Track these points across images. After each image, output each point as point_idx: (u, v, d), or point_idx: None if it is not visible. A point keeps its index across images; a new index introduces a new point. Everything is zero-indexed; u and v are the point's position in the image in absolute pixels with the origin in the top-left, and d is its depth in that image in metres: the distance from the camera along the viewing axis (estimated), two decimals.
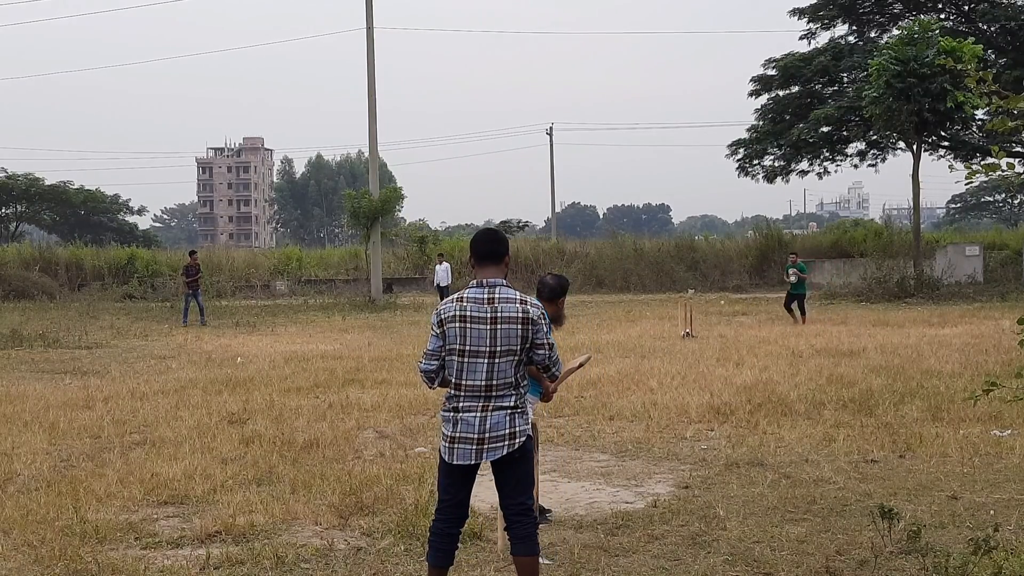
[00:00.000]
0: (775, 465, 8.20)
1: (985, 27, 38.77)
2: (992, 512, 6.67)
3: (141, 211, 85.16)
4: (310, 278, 43.52)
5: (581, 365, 6.99)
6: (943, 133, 35.26)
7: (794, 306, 22.50)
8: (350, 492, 7.30)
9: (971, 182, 6.30)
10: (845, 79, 40.49)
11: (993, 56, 38.30)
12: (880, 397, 11.21)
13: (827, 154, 41.82)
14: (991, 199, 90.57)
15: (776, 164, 42.78)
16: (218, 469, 8.22)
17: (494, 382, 4.67)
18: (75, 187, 74.09)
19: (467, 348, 4.67)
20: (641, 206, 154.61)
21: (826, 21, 41.33)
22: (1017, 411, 9.76)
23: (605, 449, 9.12)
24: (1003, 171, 4.98)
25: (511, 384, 4.71)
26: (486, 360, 4.66)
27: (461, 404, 4.70)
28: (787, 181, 43.93)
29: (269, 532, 6.45)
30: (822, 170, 42.96)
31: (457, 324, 4.70)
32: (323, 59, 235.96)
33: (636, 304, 31.12)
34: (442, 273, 32.93)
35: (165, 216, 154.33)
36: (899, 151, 39.49)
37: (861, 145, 41.67)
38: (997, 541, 5.14)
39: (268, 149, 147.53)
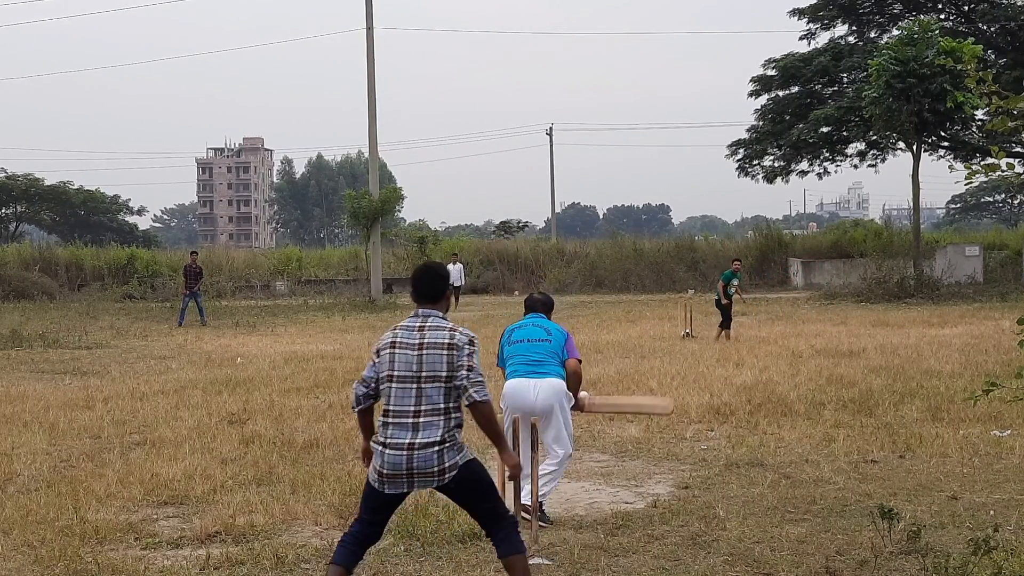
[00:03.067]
0: (775, 465, 8.20)
1: (985, 27, 38.76)
2: (992, 512, 6.67)
3: (141, 211, 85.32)
4: (310, 278, 43.51)
5: (653, 410, 7.11)
6: (943, 133, 35.24)
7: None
8: (350, 492, 7.30)
9: (971, 182, 6.31)
10: (845, 79, 40.47)
11: (993, 56, 38.29)
12: (880, 397, 11.21)
13: (827, 154, 41.80)
14: (991, 199, 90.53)
15: (776, 164, 42.77)
16: (218, 469, 8.22)
17: (422, 408, 4.65)
18: (75, 187, 74.12)
19: (395, 373, 4.71)
20: (641, 206, 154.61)
21: (826, 21, 41.31)
22: (1017, 411, 9.76)
23: (605, 449, 9.12)
24: (1003, 171, 4.98)
25: (439, 411, 4.66)
26: (414, 385, 4.68)
27: (389, 434, 4.67)
28: (787, 181, 43.96)
29: (269, 532, 6.45)
30: (822, 170, 42.97)
31: (388, 351, 4.77)
32: (323, 59, 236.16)
33: (636, 304, 31.12)
34: (455, 273, 32.61)
35: (165, 216, 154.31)
36: (899, 151, 39.46)
37: (861, 145, 41.66)
38: (997, 541, 5.14)
39: (268, 149, 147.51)
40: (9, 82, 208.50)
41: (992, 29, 38.59)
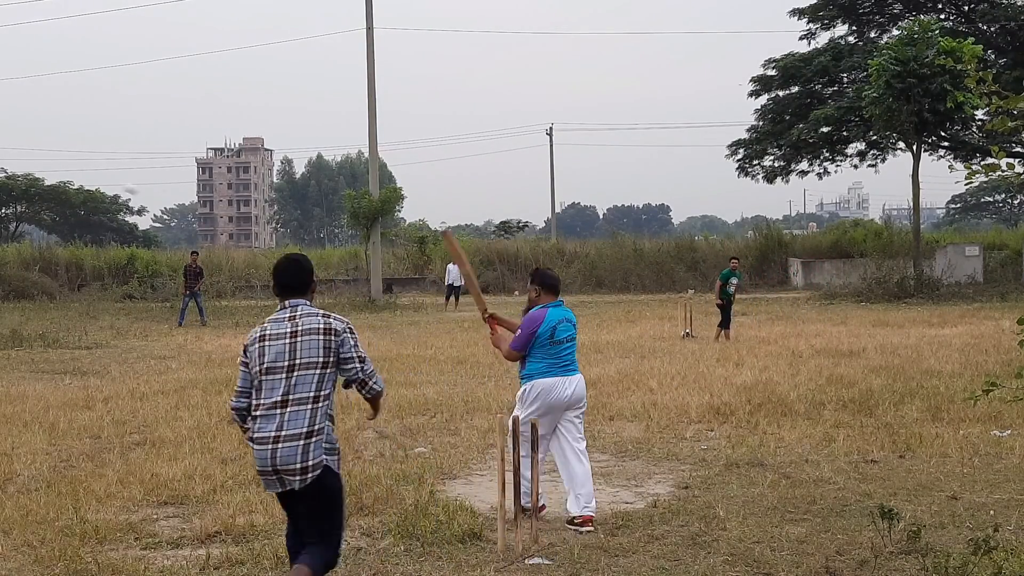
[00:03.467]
0: (775, 465, 8.20)
1: (985, 27, 38.77)
2: (992, 512, 6.67)
3: (141, 211, 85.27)
4: None
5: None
6: (943, 133, 35.25)
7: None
8: (350, 492, 7.28)
9: (971, 182, 6.30)
10: (845, 79, 40.49)
11: (993, 56, 38.30)
12: (880, 397, 11.21)
13: (827, 154, 41.82)
14: (991, 199, 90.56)
15: (776, 164, 42.79)
16: (218, 469, 8.22)
17: (290, 397, 4.49)
18: (75, 187, 74.11)
19: (265, 365, 4.56)
20: (641, 206, 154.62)
21: (826, 21, 41.32)
22: (1017, 411, 9.76)
23: (605, 449, 9.12)
24: (1003, 171, 4.98)
25: (308, 400, 4.50)
26: (283, 375, 4.52)
27: (257, 428, 4.52)
28: (787, 181, 43.98)
29: (269, 532, 6.44)
30: (822, 170, 42.99)
31: (257, 345, 4.62)
32: (323, 59, 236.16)
33: (636, 304, 31.12)
34: (455, 273, 32.52)
35: (165, 216, 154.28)
36: (899, 151, 39.47)
37: (861, 145, 41.67)
38: (997, 541, 5.14)
39: (268, 149, 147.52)
40: (9, 82, 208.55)
41: (992, 29, 38.60)
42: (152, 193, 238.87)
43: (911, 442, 8.92)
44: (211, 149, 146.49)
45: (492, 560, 5.85)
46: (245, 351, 4.68)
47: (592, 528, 6.44)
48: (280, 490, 4.58)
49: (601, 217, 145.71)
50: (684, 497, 7.25)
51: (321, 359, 4.55)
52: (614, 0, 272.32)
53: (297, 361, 4.53)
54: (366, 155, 48.04)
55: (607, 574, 5.61)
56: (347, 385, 4.73)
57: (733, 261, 20.40)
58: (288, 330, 4.60)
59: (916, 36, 30.38)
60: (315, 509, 4.59)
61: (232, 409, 4.74)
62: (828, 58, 39.26)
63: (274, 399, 4.51)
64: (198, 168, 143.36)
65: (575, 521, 6.48)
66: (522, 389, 6.70)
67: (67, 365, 16.74)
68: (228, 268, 43.31)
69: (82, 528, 6.50)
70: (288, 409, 4.48)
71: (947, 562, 5.16)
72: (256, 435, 4.52)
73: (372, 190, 35.85)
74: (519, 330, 6.73)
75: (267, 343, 4.60)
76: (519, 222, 69.61)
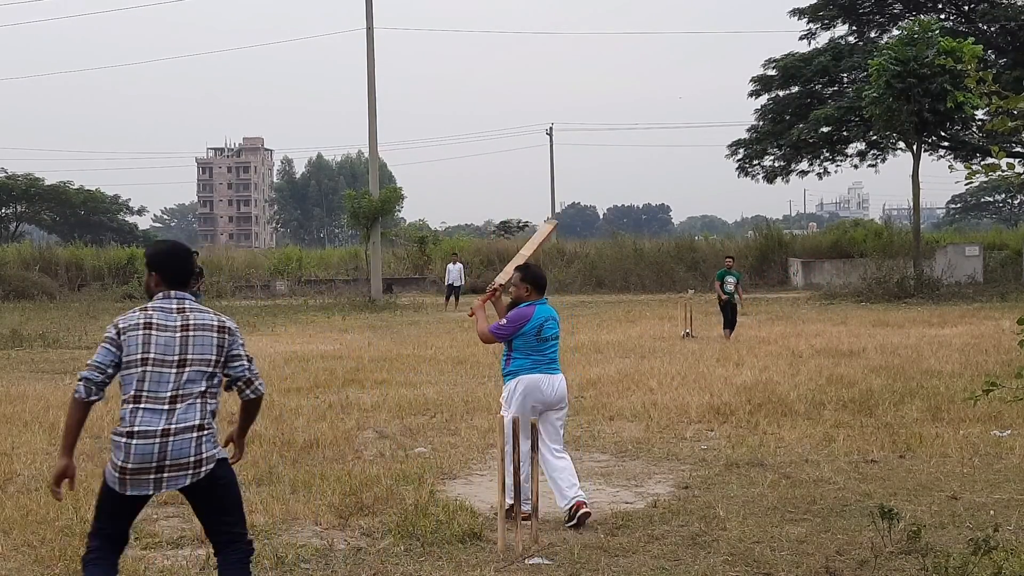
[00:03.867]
0: (775, 465, 8.20)
1: (985, 27, 38.76)
2: (992, 512, 6.67)
3: (141, 211, 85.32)
4: (310, 278, 43.49)
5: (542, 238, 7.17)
6: (943, 133, 35.26)
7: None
8: (350, 492, 7.30)
9: (971, 182, 6.30)
10: (845, 79, 40.48)
11: (993, 56, 38.29)
12: (880, 397, 11.21)
13: (827, 154, 41.82)
14: (991, 199, 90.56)
15: (776, 164, 42.79)
16: None
17: (180, 392, 4.28)
18: (75, 187, 74.16)
19: (151, 356, 4.28)
20: (641, 206, 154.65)
21: (826, 21, 41.32)
22: (1017, 411, 9.75)
23: (605, 449, 9.12)
24: (1003, 171, 4.97)
25: (198, 395, 4.33)
26: (174, 370, 4.29)
27: (138, 422, 4.22)
28: (787, 181, 43.97)
29: (269, 532, 6.44)
30: (822, 170, 42.98)
31: (141, 332, 4.31)
32: (323, 59, 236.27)
33: (636, 304, 31.11)
34: (455, 273, 32.57)
35: (165, 216, 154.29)
36: (899, 151, 39.47)
37: (861, 145, 41.67)
38: (997, 541, 5.14)
39: (268, 149, 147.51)
40: (9, 82, 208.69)
41: (992, 29, 38.59)
42: (152, 193, 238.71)
43: (911, 442, 8.92)
44: (211, 149, 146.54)
45: (492, 560, 5.85)
46: (119, 332, 4.33)
47: (588, 511, 6.43)
48: (149, 492, 4.30)
49: (601, 217, 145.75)
50: (684, 497, 7.25)
51: (214, 356, 4.38)
52: (614, 0, 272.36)
53: (189, 357, 4.32)
54: (366, 155, 48.05)
55: (607, 574, 5.60)
56: (229, 386, 4.54)
57: (727, 260, 20.59)
58: (178, 323, 4.36)
59: (916, 36, 30.38)
60: (217, 502, 4.42)
61: (84, 379, 4.31)
62: (828, 58, 39.25)
63: (164, 394, 4.26)
64: (198, 168, 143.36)
65: (572, 512, 6.45)
66: (507, 388, 6.77)
67: (67, 365, 16.72)
68: (228, 268, 43.34)
69: (82, 528, 6.49)
70: (179, 404, 4.27)
71: (947, 562, 5.16)
72: (138, 428, 4.22)
73: (372, 190, 35.85)
74: (505, 319, 6.84)
75: (153, 332, 4.32)
76: (519, 222, 69.63)
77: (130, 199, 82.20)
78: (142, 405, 4.25)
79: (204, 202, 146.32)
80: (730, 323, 19.20)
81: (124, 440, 4.24)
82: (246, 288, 40.84)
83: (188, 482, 4.30)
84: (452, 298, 32.23)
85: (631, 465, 8.46)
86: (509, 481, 6.18)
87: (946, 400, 10.82)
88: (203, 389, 4.35)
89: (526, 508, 6.35)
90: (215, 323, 4.43)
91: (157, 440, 4.21)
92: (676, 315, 22.53)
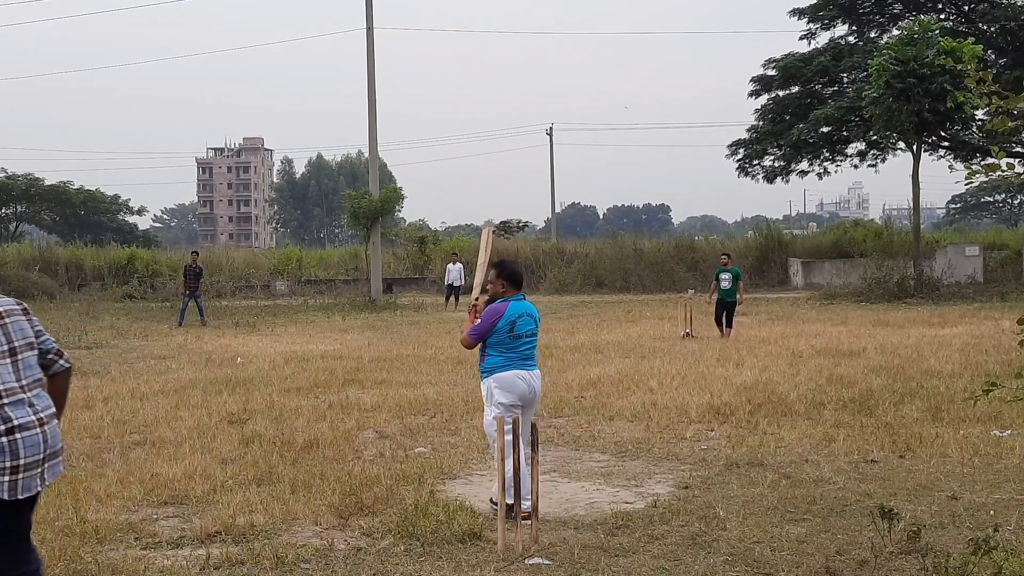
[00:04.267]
0: (775, 465, 8.20)
1: (985, 27, 38.75)
2: (992, 512, 6.67)
3: (141, 211, 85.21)
4: (310, 278, 43.50)
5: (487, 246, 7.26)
6: (943, 133, 35.24)
7: (723, 316, 19.44)
8: (350, 492, 7.30)
9: (971, 182, 6.30)
10: (845, 79, 40.48)
11: (993, 56, 38.28)
12: (880, 397, 11.21)
13: (827, 154, 41.80)
14: (991, 199, 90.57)
15: (776, 164, 42.78)
16: (218, 469, 8.22)
17: (24, 381, 4.18)
18: (75, 187, 74.13)
19: None
20: (641, 206, 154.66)
21: (826, 21, 41.30)
22: (1017, 411, 9.76)
23: (605, 449, 9.12)
24: (1003, 171, 4.98)
25: (40, 381, 4.27)
26: (8, 360, 4.16)
27: (15, 417, 4.06)
28: (787, 181, 43.97)
29: (269, 532, 6.44)
30: (822, 170, 42.95)
31: None
32: (323, 59, 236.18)
33: (636, 304, 31.11)
34: (455, 273, 32.63)
35: (165, 216, 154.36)
36: (899, 151, 39.46)
37: (861, 145, 41.66)
38: (997, 541, 5.14)
39: (268, 149, 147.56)
40: (9, 82, 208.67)
41: (992, 29, 38.58)
42: (152, 193, 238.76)
43: (911, 442, 8.92)
44: (211, 149, 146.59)
45: (492, 560, 5.85)
46: None
47: (528, 519, 6.25)
48: (38, 489, 4.15)
49: (601, 217, 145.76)
50: (684, 497, 7.25)
51: (33, 339, 4.32)
52: (615, 0, 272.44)
53: (16, 344, 4.22)
54: (366, 155, 48.03)
55: (607, 574, 5.61)
56: (42, 361, 4.40)
57: (723, 257, 20.72)
58: None
59: (916, 36, 30.38)
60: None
61: None
62: (828, 58, 39.26)
63: (15, 385, 4.14)
64: (198, 168, 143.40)
65: (510, 510, 6.25)
66: (484, 385, 6.81)
67: None
68: (228, 268, 43.35)
69: (82, 528, 6.50)
70: (30, 392, 4.18)
71: (947, 562, 5.16)
72: (18, 422, 4.06)
73: (372, 190, 35.85)
74: (479, 320, 6.84)
75: None
76: (519, 222, 69.56)
77: (130, 199, 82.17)
78: (5, 401, 4.08)
79: (204, 202, 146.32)
80: (725, 320, 19.31)
81: (6, 439, 4.02)
82: (246, 288, 40.83)
83: (61, 470, 4.24)
84: (452, 298, 32.25)
85: (631, 465, 8.46)
86: (508, 478, 6.17)
87: (946, 400, 10.82)
88: (40, 376, 4.30)
89: (526, 507, 6.34)
90: (17, 306, 4.34)
91: (38, 430, 4.12)
92: (676, 315, 22.52)
